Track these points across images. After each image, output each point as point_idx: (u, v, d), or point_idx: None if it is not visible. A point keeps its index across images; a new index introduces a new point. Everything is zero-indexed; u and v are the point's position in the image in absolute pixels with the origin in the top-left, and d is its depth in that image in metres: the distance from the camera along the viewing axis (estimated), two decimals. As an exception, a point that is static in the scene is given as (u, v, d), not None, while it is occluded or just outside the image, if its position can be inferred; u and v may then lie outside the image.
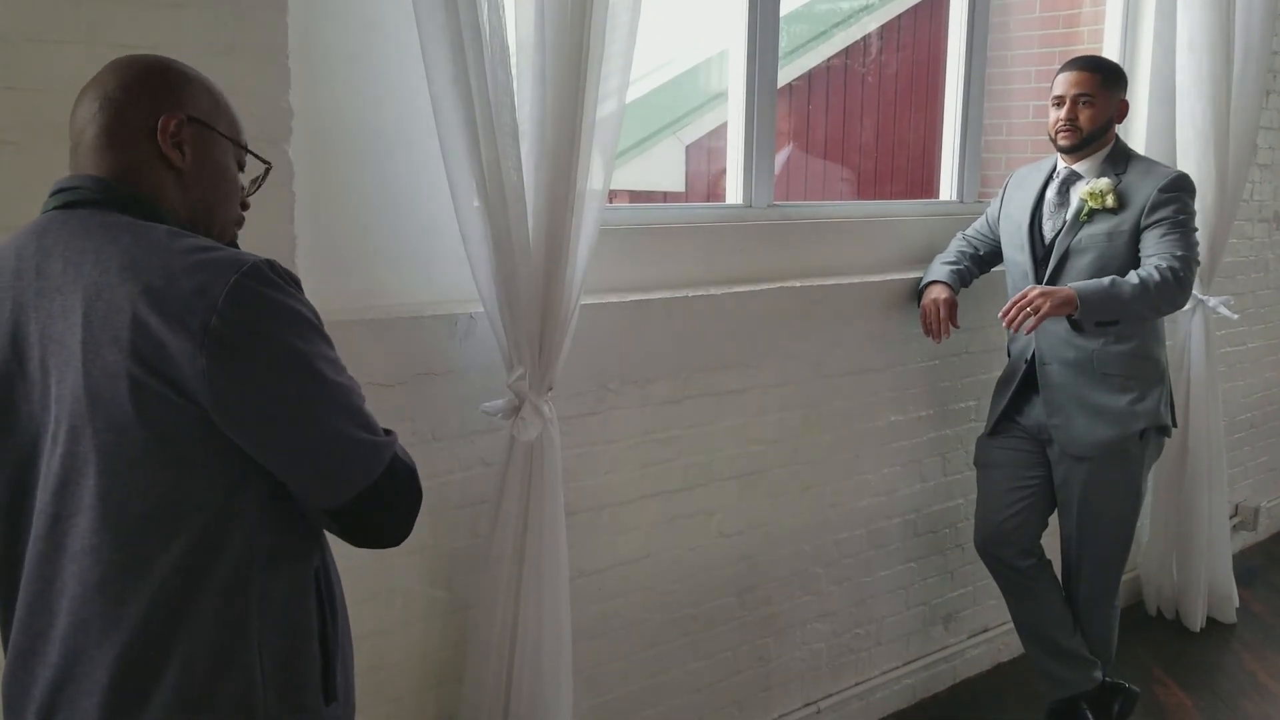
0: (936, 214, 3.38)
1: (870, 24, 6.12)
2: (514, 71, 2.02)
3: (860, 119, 6.11)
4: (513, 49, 2.02)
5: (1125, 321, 2.79)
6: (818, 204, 3.15)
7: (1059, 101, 2.86)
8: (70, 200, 1.27)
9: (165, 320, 1.16)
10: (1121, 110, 2.89)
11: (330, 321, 2.03)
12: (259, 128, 1.87)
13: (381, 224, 2.19)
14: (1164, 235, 2.76)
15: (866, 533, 3.16)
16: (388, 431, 1.35)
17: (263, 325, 1.19)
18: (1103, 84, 2.82)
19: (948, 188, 3.52)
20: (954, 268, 3.06)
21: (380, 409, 2.10)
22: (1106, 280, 2.71)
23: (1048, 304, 2.64)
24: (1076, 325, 2.80)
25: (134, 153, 1.29)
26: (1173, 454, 3.84)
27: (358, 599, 1.93)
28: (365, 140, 2.15)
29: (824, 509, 3.03)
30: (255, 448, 1.22)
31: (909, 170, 6.16)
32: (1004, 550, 3.04)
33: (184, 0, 1.78)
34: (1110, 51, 3.92)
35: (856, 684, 3.23)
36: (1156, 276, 2.69)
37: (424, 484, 2.16)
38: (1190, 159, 3.67)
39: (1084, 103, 2.82)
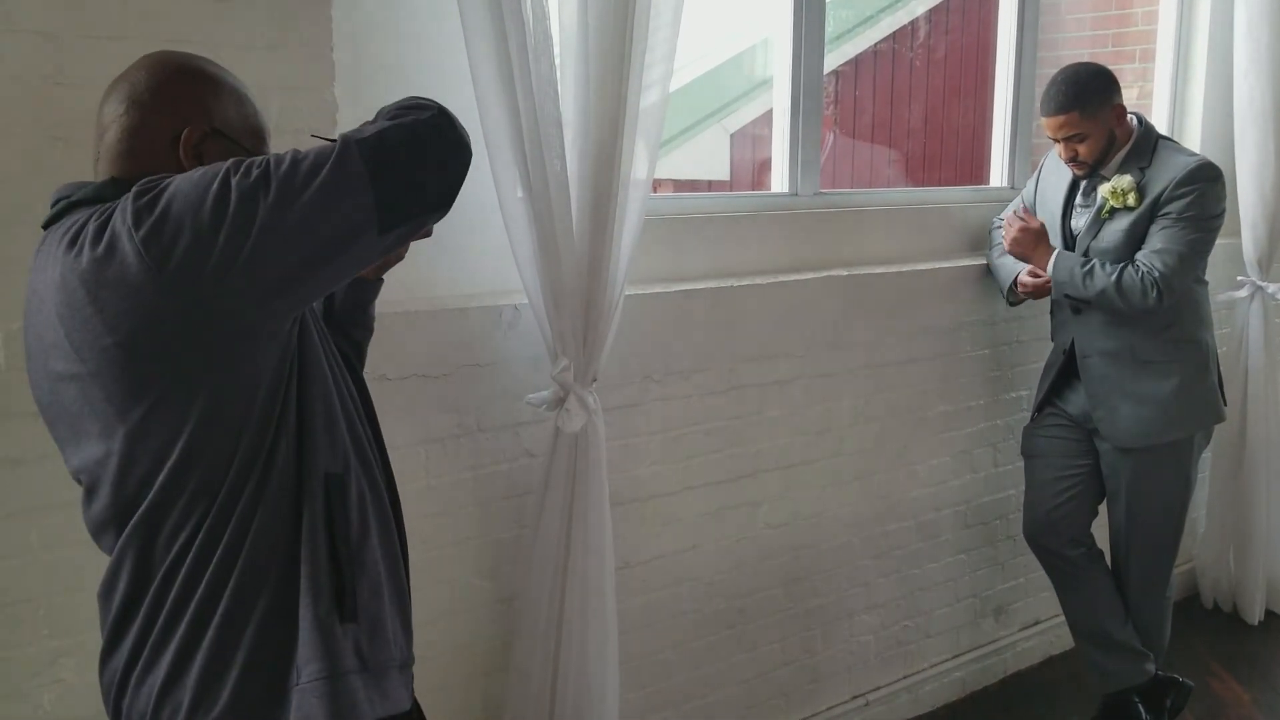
0: (987, 200, 3.33)
1: (918, 8, 6.05)
2: (557, 61, 2.01)
3: (908, 104, 6.04)
4: (556, 38, 2.01)
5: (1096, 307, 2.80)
6: (865, 191, 3.11)
7: (1054, 140, 2.79)
8: (60, 211, 1.30)
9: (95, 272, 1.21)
10: (1119, 115, 2.75)
11: (376, 314, 2.05)
12: (304, 121, 1.89)
13: (426, 216, 2.19)
14: (1162, 230, 2.70)
15: (916, 524, 3.13)
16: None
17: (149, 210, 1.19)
18: (1083, 116, 2.70)
19: (998, 173, 3.46)
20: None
21: (426, 400, 2.12)
22: (1084, 266, 2.77)
23: (1026, 239, 2.87)
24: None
25: (152, 159, 1.30)
26: (1230, 445, 3.77)
27: (404, 590, 1.94)
28: (410, 132, 2.15)
29: (873, 500, 3.00)
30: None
31: (958, 156, 6.08)
32: (1053, 540, 3.00)
33: (229, -5, 1.79)
34: (1165, 35, 3.83)
35: (905, 676, 3.21)
36: (1128, 278, 2.70)
37: (469, 475, 2.21)
38: (1249, 141, 3.58)
39: (1075, 140, 2.74)
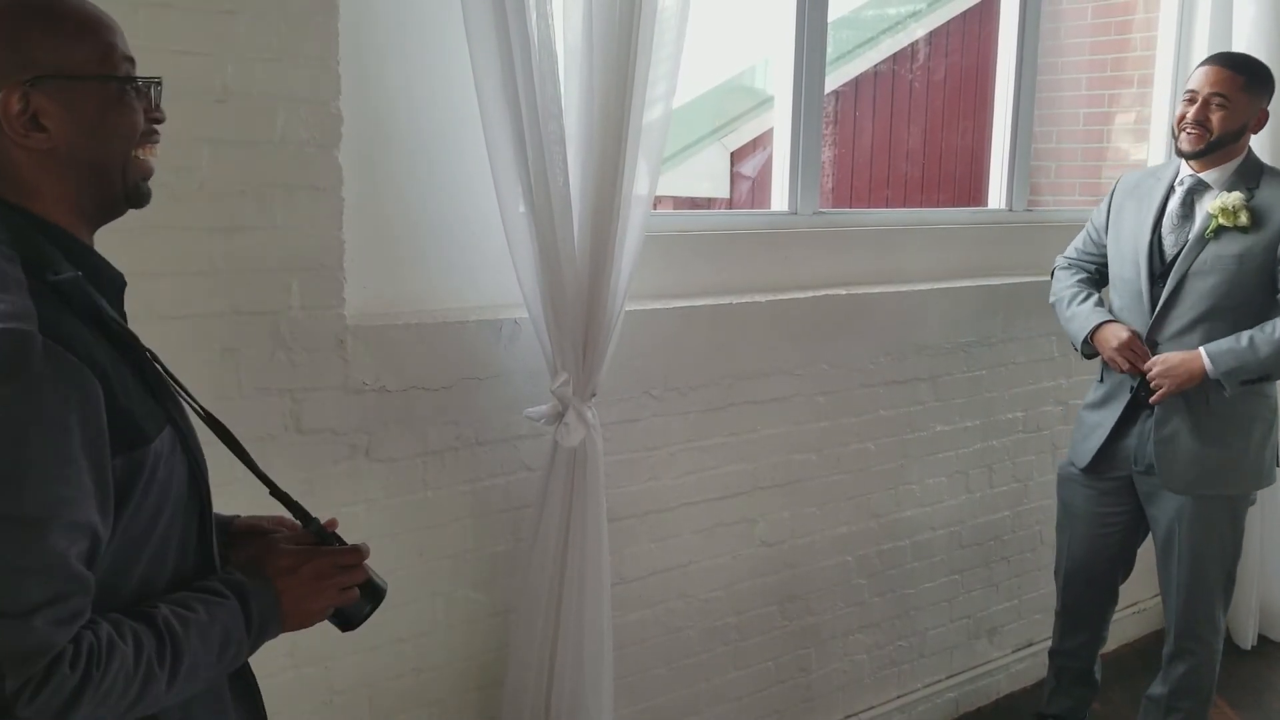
0: (984, 222, 3.35)
1: (918, 30, 6.09)
2: (561, 76, 2.02)
3: (907, 125, 6.07)
4: (560, 53, 2.02)
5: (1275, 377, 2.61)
6: (864, 211, 3.13)
7: (1191, 97, 2.58)
8: None
9: None
10: (1260, 119, 2.60)
11: (377, 325, 2.06)
12: (309, 133, 1.90)
13: (429, 229, 2.21)
14: None
15: (910, 544, 3.13)
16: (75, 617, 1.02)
17: None
18: (1244, 86, 2.54)
19: (996, 196, 3.48)
20: (1097, 304, 2.81)
21: (426, 413, 2.13)
22: (1243, 341, 2.53)
23: (1168, 385, 2.59)
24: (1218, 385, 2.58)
25: None
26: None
27: (399, 601, 1.95)
28: (414, 146, 2.16)
29: (867, 519, 3.00)
30: None
31: (956, 178, 6.10)
32: (1095, 593, 2.99)
33: (236, 7, 1.80)
34: (1163, 60, 3.86)
35: (898, 696, 3.20)
36: None
37: (466, 488, 2.21)
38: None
39: (1218, 104, 2.54)
